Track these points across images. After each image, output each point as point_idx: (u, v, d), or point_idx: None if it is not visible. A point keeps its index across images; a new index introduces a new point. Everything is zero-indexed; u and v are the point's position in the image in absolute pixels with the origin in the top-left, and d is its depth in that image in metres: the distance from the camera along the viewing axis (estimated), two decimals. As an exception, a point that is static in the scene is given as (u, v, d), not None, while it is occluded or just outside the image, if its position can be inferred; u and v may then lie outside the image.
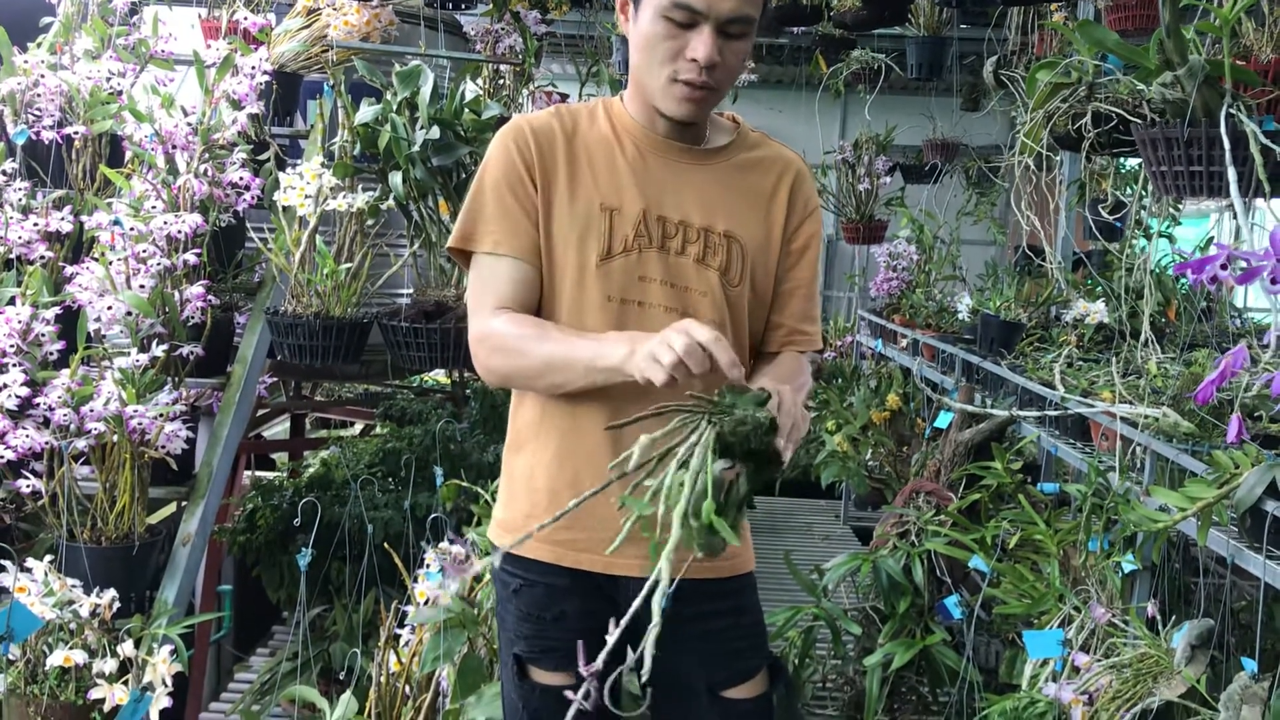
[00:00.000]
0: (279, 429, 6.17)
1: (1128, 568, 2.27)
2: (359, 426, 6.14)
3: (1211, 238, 4.09)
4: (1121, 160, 3.83)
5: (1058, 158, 3.73)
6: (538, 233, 1.59)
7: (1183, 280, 3.69)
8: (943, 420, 3.14)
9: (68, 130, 3.19)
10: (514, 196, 1.59)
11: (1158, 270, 3.61)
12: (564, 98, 3.80)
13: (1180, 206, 4.41)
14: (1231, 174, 1.64)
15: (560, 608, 1.66)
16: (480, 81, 3.43)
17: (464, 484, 2.86)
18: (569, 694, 1.63)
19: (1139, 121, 1.78)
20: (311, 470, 4.11)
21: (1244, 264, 1.46)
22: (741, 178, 1.64)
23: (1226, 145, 1.62)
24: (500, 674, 1.77)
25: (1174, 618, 2.15)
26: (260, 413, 4.86)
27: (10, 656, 2.37)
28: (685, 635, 1.69)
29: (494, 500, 2.68)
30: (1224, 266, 1.44)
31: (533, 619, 1.67)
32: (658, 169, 1.61)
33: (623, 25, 1.61)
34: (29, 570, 2.40)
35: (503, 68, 3.43)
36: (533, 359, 1.52)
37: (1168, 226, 4.07)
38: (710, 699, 1.70)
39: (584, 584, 1.64)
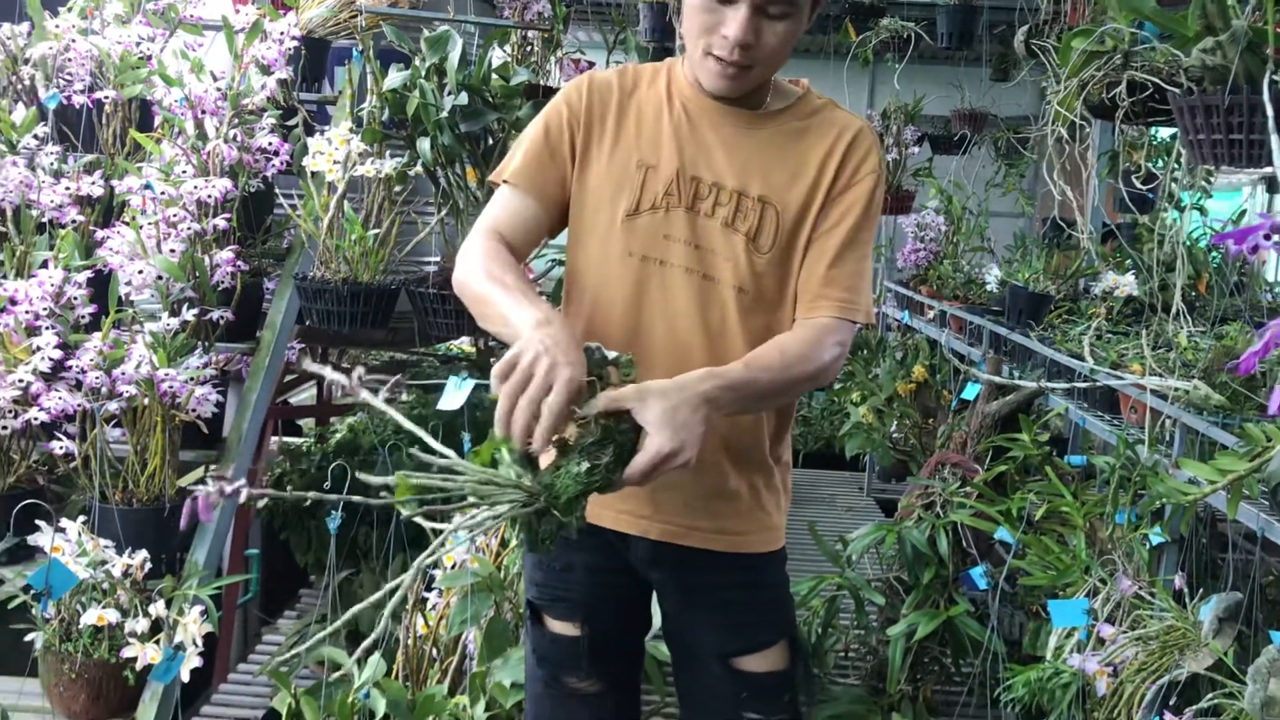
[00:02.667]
0: (306, 394, 6.20)
1: (1155, 540, 2.26)
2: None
3: (1244, 211, 4.04)
4: (1154, 131, 3.78)
5: (1090, 127, 3.69)
6: (562, 183, 1.63)
7: (1214, 253, 3.66)
8: (969, 392, 3.13)
9: (98, 95, 3.20)
10: (547, 141, 1.62)
11: (1189, 243, 3.58)
12: (591, 65, 3.78)
13: (1212, 179, 4.36)
14: (1275, 141, 1.61)
15: (567, 559, 1.70)
16: (508, 48, 3.42)
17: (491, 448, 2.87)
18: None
19: (1176, 90, 1.76)
20: (339, 435, 4.14)
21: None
22: (790, 143, 1.61)
23: (1270, 113, 1.60)
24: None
25: (1201, 591, 2.14)
26: (288, 378, 4.89)
27: (45, 615, 2.41)
28: (695, 602, 1.72)
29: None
30: (1268, 237, 1.42)
31: (544, 567, 1.73)
32: (703, 129, 1.60)
33: None
34: (63, 530, 2.44)
35: (531, 34, 3.41)
36: (476, 287, 1.52)
37: (1199, 199, 4.03)
38: (723, 668, 1.71)
39: (594, 538, 1.65)
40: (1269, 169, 1.56)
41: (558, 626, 1.73)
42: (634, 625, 1.81)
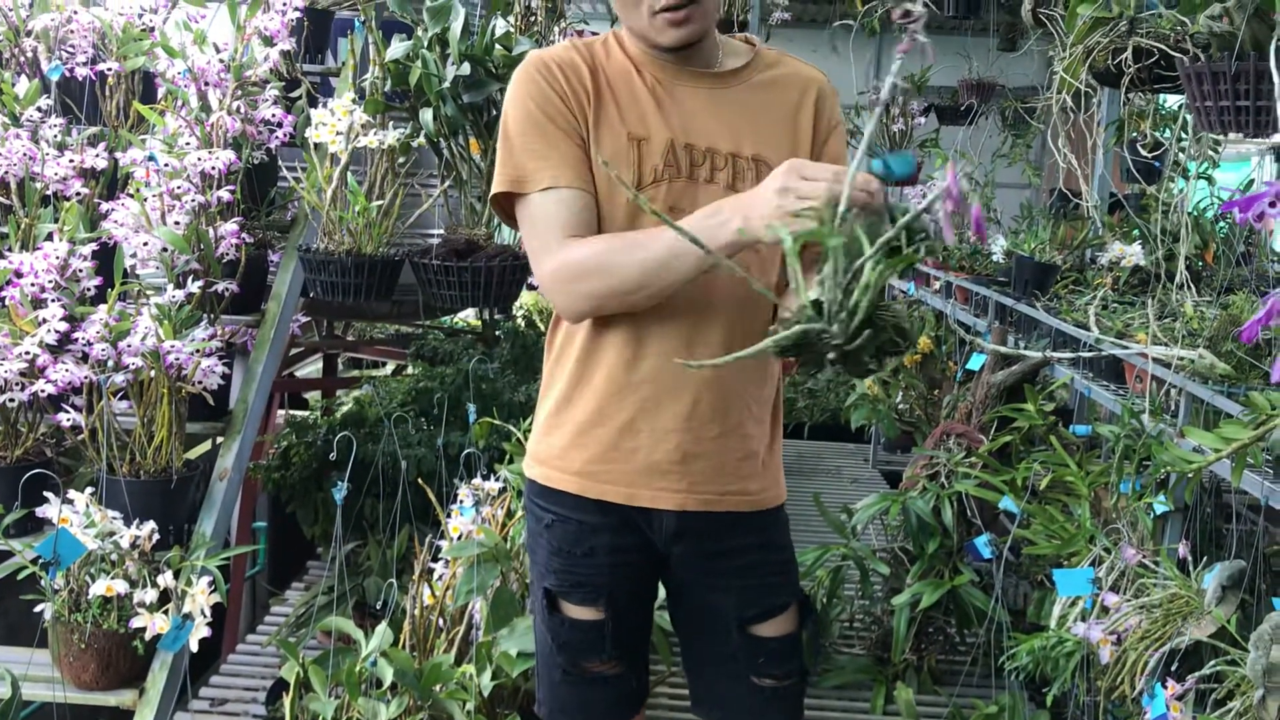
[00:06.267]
0: (311, 369, 6.22)
1: (1159, 509, 2.27)
2: (390, 367, 6.19)
3: (1252, 180, 4.02)
4: (1161, 100, 3.76)
5: (1096, 96, 3.67)
6: (588, 159, 1.54)
7: (1221, 224, 3.64)
8: (974, 363, 3.13)
9: (101, 67, 3.20)
10: (556, 126, 1.53)
11: (1195, 212, 3.56)
12: (595, 35, 3.76)
13: (1220, 148, 4.33)
14: None
15: (590, 543, 1.66)
16: (512, 18, 3.40)
17: (496, 422, 2.88)
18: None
19: (1183, 56, 1.75)
20: (345, 408, 4.15)
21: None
22: (763, 97, 1.60)
23: (1276, 80, 1.59)
24: (531, 607, 1.78)
25: (1205, 559, 2.15)
26: (294, 351, 4.91)
27: (54, 586, 2.43)
28: (716, 570, 1.70)
29: (525, 438, 2.72)
30: (1273, 204, 1.42)
31: (563, 554, 1.67)
32: (680, 96, 1.57)
33: None
34: (71, 502, 2.45)
35: (534, 3, 3.39)
36: (628, 269, 1.44)
37: (1206, 169, 4.00)
38: (740, 635, 1.71)
39: (614, 519, 1.64)
40: (1276, 136, 1.55)
41: (577, 612, 1.69)
42: (648, 600, 1.79)
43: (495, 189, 1.56)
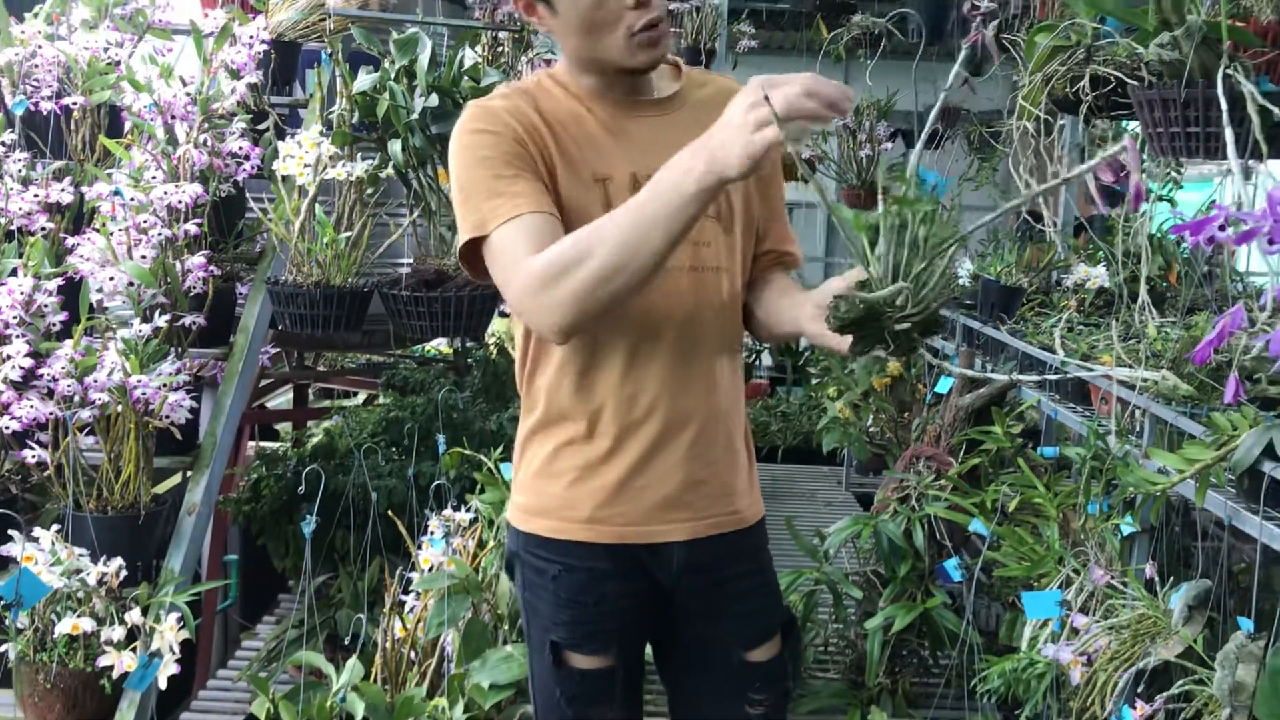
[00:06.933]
0: (282, 399, 6.18)
1: (1126, 530, 2.28)
2: (362, 396, 6.16)
3: (1214, 201, 4.07)
4: (1124, 124, 3.81)
5: (1059, 121, 3.70)
6: (551, 193, 1.48)
7: (1184, 245, 3.68)
8: (943, 386, 3.15)
9: (66, 101, 3.19)
10: (514, 168, 1.46)
11: (1160, 234, 3.60)
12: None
13: (1182, 170, 4.38)
14: (1229, 135, 1.63)
15: (600, 591, 1.61)
16: (479, 49, 3.42)
17: (466, 452, 2.88)
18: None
19: (1136, 83, 1.78)
20: (315, 440, 4.13)
21: (1242, 225, 1.46)
22: (702, 118, 1.54)
23: (1224, 106, 1.62)
24: (530, 660, 1.71)
25: (1171, 579, 2.16)
26: (264, 383, 4.88)
27: (19, 625, 2.40)
28: (718, 598, 1.68)
29: (497, 467, 2.71)
30: (1222, 227, 1.44)
31: (574, 605, 1.62)
32: (630, 129, 1.56)
33: (538, 23, 1.53)
34: (36, 540, 2.43)
35: (501, 35, 3.42)
36: (602, 253, 1.34)
37: (1170, 190, 4.05)
38: (740, 661, 1.69)
39: (625, 563, 1.61)
40: (1225, 161, 1.58)
41: (587, 662, 1.63)
42: (646, 641, 1.75)
43: (461, 239, 1.48)
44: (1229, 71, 1.61)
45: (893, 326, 1.20)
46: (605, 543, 1.59)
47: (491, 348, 4.96)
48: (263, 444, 4.88)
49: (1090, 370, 2.47)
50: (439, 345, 6.19)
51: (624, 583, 1.62)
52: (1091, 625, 2.15)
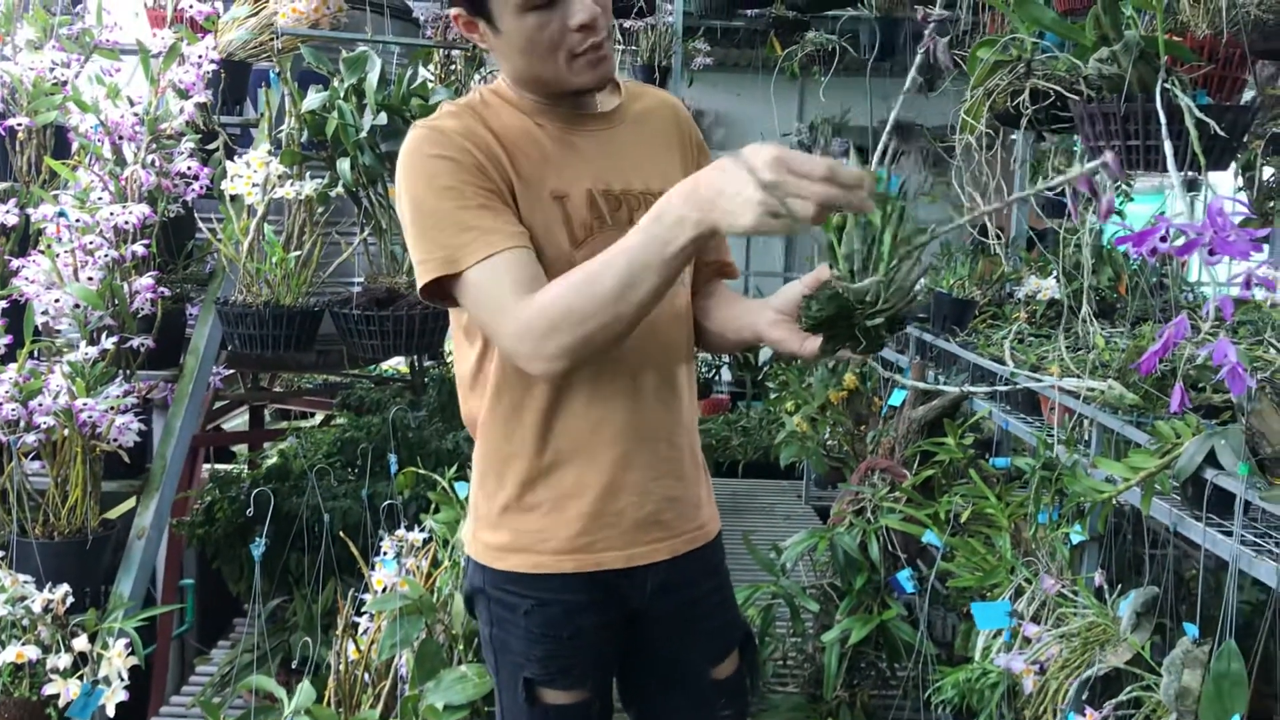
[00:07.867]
0: (239, 421, 6.12)
1: (1076, 539, 2.30)
2: (319, 417, 6.11)
3: (1162, 212, 4.13)
4: (1073, 138, 3.86)
5: (1012, 136, 3.74)
6: (517, 216, 1.45)
7: (1136, 256, 3.73)
8: (896, 398, 3.17)
9: (11, 122, 3.15)
10: (478, 190, 1.42)
11: (1109, 246, 3.65)
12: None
13: (1132, 183, 4.44)
14: (1168, 148, 1.66)
15: (576, 624, 1.58)
16: (432, 67, 3.42)
17: (420, 471, 2.86)
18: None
19: (1076, 98, 1.80)
20: (270, 461, 4.09)
21: (1184, 236, 1.48)
22: (646, 130, 1.61)
23: (1163, 120, 1.65)
24: (499, 697, 1.67)
25: (1120, 586, 2.18)
26: (219, 405, 4.83)
27: (-38, 654, 2.35)
28: (688, 616, 1.67)
29: (451, 487, 2.70)
30: (1163, 239, 1.46)
31: (548, 639, 1.58)
32: (579, 143, 1.54)
33: (480, 40, 1.50)
34: (-21, 567, 2.38)
35: (454, 53, 3.41)
36: (598, 305, 1.32)
37: (1121, 203, 4.11)
38: (709, 680, 1.69)
39: (599, 593, 1.58)
40: (1165, 174, 1.60)
41: (563, 698, 1.60)
42: (615, 669, 1.73)
43: (426, 278, 1.41)
44: (1167, 86, 1.63)
45: (863, 323, 1.25)
46: (586, 571, 1.56)
47: (448, 366, 4.94)
48: (218, 466, 4.83)
49: (1038, 381, 2.50)
50: (396, 364, 6.15)
51: (599, 613, 1.60)
52: (1043, 634, 2.17)
